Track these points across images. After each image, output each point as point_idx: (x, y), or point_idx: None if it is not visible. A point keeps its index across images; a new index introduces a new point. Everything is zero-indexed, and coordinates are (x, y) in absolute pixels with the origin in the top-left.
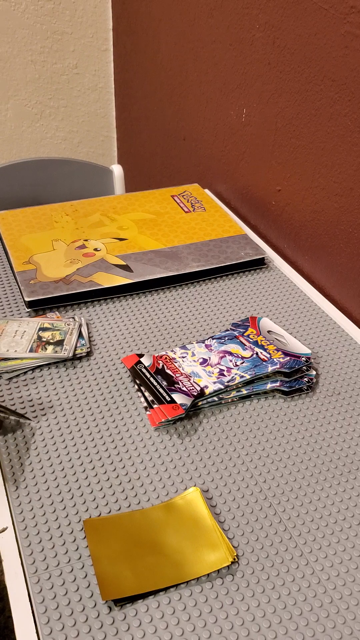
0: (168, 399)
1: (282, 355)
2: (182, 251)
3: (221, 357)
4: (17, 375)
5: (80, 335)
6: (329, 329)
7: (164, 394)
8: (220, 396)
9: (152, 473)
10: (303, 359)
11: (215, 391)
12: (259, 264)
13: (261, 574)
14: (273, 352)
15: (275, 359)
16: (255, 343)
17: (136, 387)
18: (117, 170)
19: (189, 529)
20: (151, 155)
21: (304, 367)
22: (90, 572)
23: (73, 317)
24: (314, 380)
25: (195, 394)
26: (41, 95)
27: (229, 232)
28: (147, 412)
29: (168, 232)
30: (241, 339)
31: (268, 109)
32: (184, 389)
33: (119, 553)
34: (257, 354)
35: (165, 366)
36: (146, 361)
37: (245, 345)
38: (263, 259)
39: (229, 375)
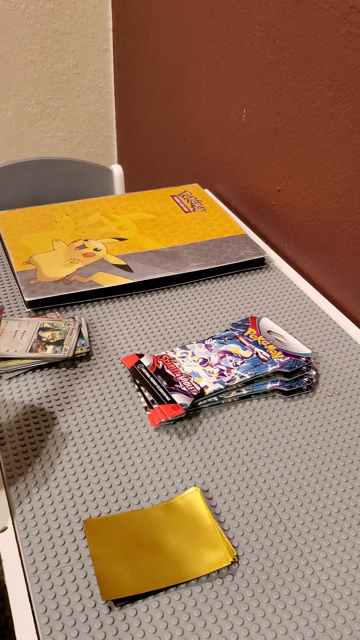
0: (168, 399)
1: (282, 355)
2: (182, 251)
3: (221, 357)
4: (17, 375)
5: (80, 335)
6: (329, 329)
7: (164, 394)
8: (220, 396)
9: (152, 473)
10: (303, 359)
11: (215, 391)
12: (259, 264)
13: (261, 574)
14: (273, 352)
15: (275, 359)
16: (255, 343)
17: (136, 387)
18: (117, 170)
19: (189, 529)
20: (151, 155)
21: (304, 367)
22: (90, 572)
23: (73, 317)
24: (314, 380)
25: (195, 394)
26: (41, 95)
27: (229, 232)
28: (147, 412)
29: (168, 232)
30: (241, 339)
31: (268, 109)
32: (184, 389)
33: (119, 553)
34: (257, 354)
35: (165, 366)
36: (146, 361)
37: (245, 345)
38: (263, 259)
39: (229, 375)
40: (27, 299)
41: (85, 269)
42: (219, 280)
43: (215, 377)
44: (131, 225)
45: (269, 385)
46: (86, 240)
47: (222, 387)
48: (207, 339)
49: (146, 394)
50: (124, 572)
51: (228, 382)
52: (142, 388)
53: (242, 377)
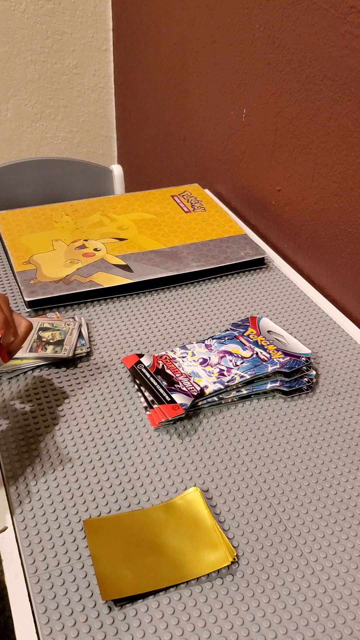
0: (168, 399)
1: (282, 355)
2: (182, 251)
3: (221, 357)
4: (17, 375)
5: (80, 335)
6: (329, 329)
7: (164, 394)
8: (220, 396)
9: (152, 473)
10: (303, 359)
11: (215, 391)
12: (259, 264)
13: (261, 574)
14: (273, 352)
15: (275, 359)
16: (255, 343)
17: (136, 387)
18: (117, 170)
19: (189, 529)
20: (151, 155)
21: (304, 367)
22: (90, 572)
23: (73, 317)
24: (314, 380)
25: (195, 394)
26: (41, 95)
27: (229, 232)
28: (147, 412)
29: (168, 232)
30: (241, 339)
31: (268, 109)
32: (184, 389)
33: (119, 553)
34: (257, 354)
35: (165, 366)
36: (146, 361)
37: (245, 345)
38: (263, 259)
39: (229, 375)
40: (27, 299)
41: (85, 269)
42: (219, 280)
43: (215, 377)
44: (131, 225)
45: (269, 385)
46: (86, 240)
47: (222, 387)
48: (207, 339)
49: (146, 394)
50: (124, 572)
51: (228, 382)
52: (142, 388)
53: (242, 377)
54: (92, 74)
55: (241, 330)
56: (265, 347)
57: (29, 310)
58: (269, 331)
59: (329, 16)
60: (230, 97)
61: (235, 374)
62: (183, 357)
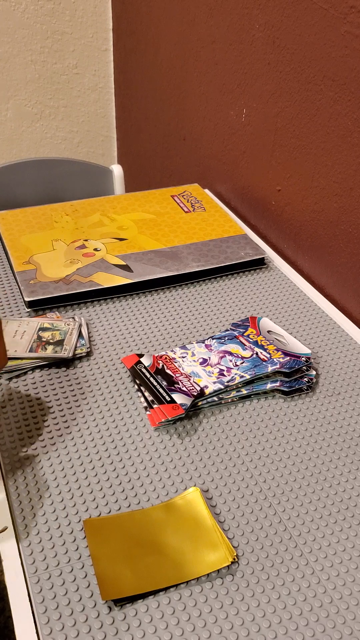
0: (168, 399)
1: (282, 355)
2: (182, 251)
3: (221, 357)
4: (17, 375)
5: (80, 335)
6: (329, 329)
7: (164, 394)
8: (220, 396)
9: (152, 473)
10: (303, 359)
11: (215, 391)
12: (259, 264)
13: (261, 574)
14: (273, 352)
15: (275, 359)
16: (255, 343)
17: (136, 387)
18: (117, 170)
19: (189, 529)
20: (151, 155)
21: (304, 367)
22: (90, 572)
23: (73, 317)
24: (314, 380)
25: (195, 394)
26: (41, 95)
27: (229, 232)
28: (147, 412)
29: (168, 232)
30: (241, 339)
31: (268, 109)
32: (184, 389)
33: (119, 553)
34: (257, 354)
35: (165, 366)
36: (146, 361)
37: (245, 345)
38: (263, 259)
39: (228, 375)
40: (27, 299)
41: (85, 269)
42: (219, 280)
43: (215, 377)
44: (131, 225)
45: (269, 385)
46: (86, 240)
47: (222, 387)
48: (207, 339)
49: (146, 394)
50: (124, 572)
51: (228, 382)
52: (142, 388)
53: (242, 377)
54: (92, 74)
55: (241, 330)
56: (265, 347)
57: (29, 310)
58: (269, 331)
59: (329, 16)
60: (230, 97)
61: (235, 374)
62: (183, 357)
